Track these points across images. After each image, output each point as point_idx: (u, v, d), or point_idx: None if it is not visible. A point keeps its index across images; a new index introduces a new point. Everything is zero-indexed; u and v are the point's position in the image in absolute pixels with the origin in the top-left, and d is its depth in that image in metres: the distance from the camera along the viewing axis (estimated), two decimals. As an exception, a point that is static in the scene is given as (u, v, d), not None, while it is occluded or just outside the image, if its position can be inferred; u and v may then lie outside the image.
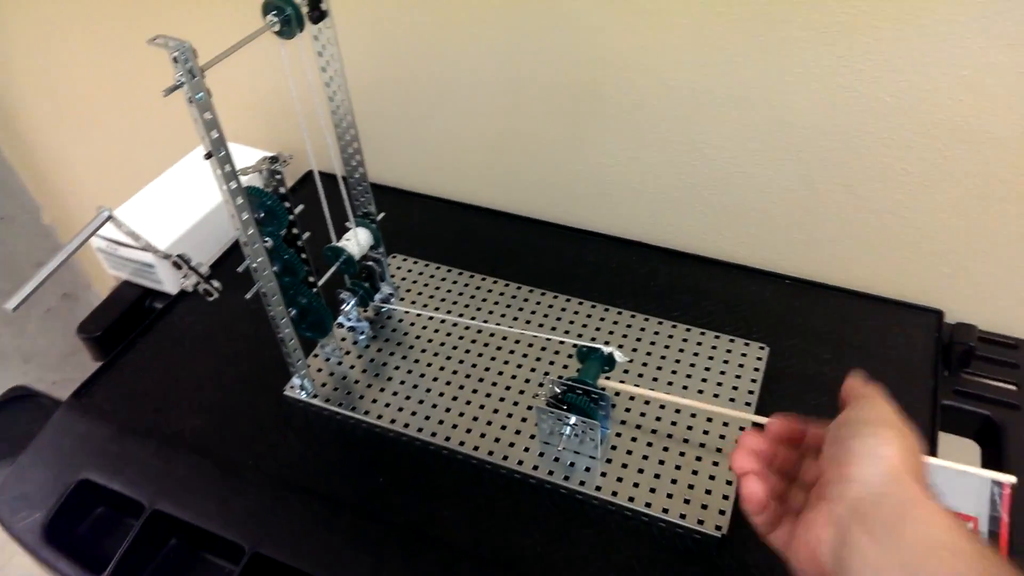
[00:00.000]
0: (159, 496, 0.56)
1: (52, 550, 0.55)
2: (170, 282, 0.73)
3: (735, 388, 0.59)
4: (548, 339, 0.64)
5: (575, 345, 0.63)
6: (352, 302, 0.65)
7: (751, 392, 0.59)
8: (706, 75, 0.63)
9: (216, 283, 0.48)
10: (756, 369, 0.60)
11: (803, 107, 0.61)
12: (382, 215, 0.65)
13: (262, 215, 0.51)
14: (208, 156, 0.45)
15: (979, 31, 0.52)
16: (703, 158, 0.68)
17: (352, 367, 0.63)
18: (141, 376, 0.65)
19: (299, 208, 0.55)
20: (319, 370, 0.63)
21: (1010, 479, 0.46)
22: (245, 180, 0.47)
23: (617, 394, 0.58)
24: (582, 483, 0.53)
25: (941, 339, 0.63)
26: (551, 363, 0.62)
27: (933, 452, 0.55)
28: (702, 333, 0.64)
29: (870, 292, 0.67)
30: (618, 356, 0.56)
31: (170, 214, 0.75)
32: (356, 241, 0.62)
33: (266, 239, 0.51)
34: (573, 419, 0.53)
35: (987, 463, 0.58)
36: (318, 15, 0.50)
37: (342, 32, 0.52)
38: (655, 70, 0.64)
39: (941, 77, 0.55)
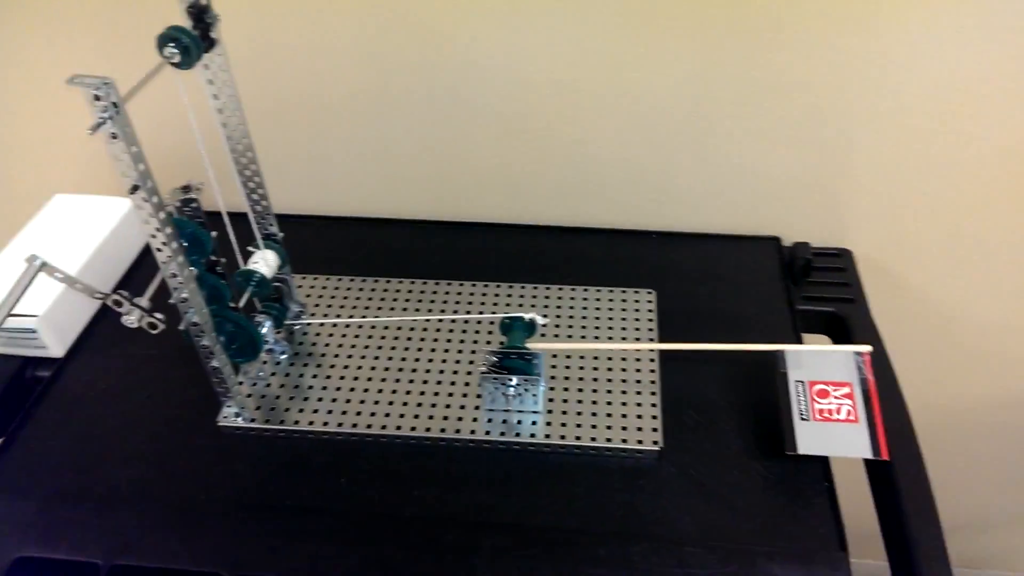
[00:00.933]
0: (113, 552, 0.54)
1: (3, 637, 0.52)
2: (56, 344, 0.69)
3: (637, 329, 0.67)
4: (466, 320, 0.69)
5: (492, 321, 0.68)
6: (268, 324, 0.66)
7: (651, 330, 0.67)
8: (560, 67, 0.71)
9: (159, 315, 0.48)
10: (650, 311, 0.69)
11: (650, 85, 0.71)
12: (281, 235, 0.66)
13: (185, 245, 0.52)
14: (134, 189, 0.45)
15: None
16: (568, 140, 0.76)
17: (282, 386, 0.64)
18: (51, 444, 0.62)
19: (213, 234, 0.56)
20: (248, 395, 0.63)
21: (867, 348, 0.57)
22: (167, 210, 0.48)
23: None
24: (532, 436, 0.59)
25: (783, 259, 0.76)
26: (475, 342, 0.67)
27: (800, 348, 0.66)
28: (597, 290, 0.72)
29: (721, 232, 0.79)
30: (539, 319, 0.62)
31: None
32: (265, 262, 0.63)
33: (191, 268, 0.52)
34: (515, 380, 0.58)
35: (838, 351, 0.71)
36: (209, 43, 0.52)
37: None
38: (525, 70, 0.71)
39: (756, 46, 0.67)
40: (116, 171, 0.45)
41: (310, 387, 0.64)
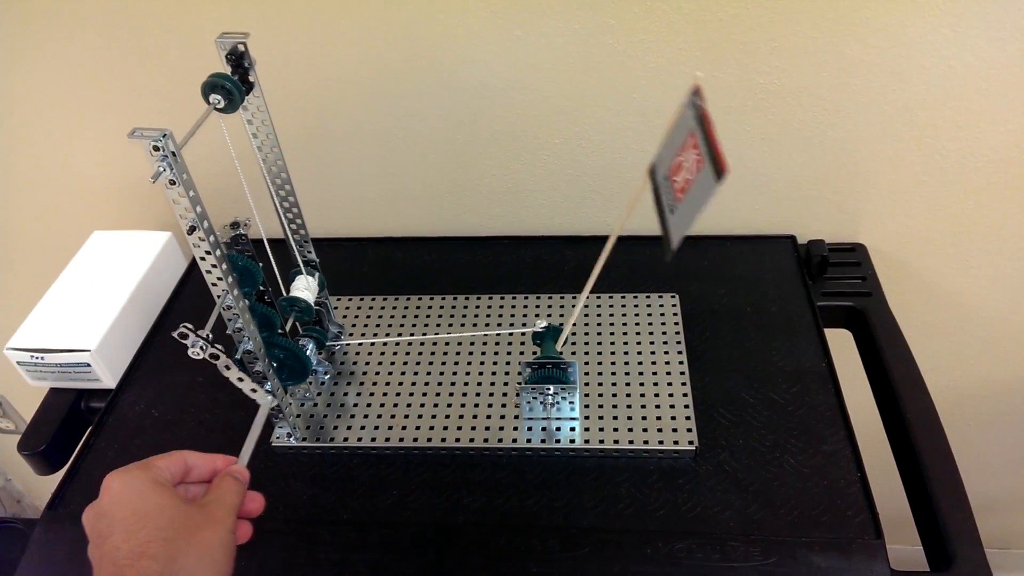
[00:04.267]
0: (182, 572, 0.57)
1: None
2: (108, 376, 0.72)
3: (664, 332, 0.70)
4: (498, 334, 0.71)
5: (523, 333, 0.71)
6: (311, 346, 0.68)
7: (677, 332, 0.70)
8: (572, 84, 0.73)
9: (219, 346, 0.51)
10: (675, 314, 0.72)
11: (653, 95, 0.73)
12: (317, 260, 0.69)
13: (238, 277, 0.55)
14: (192, 230, 0.48)
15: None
16: (582, 152, 0.79)
17: (328, 405, 0.67)
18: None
19: (260, 265, 0.59)
20: (297, 416, 0.66)
21: (699, 75, 0.42)
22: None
23: (573, 354, 0.67)
24: (572, 442, 0.61)
25: (800, 256, 0.78)
26: (508, 353, 0.70)
27: (823, 344, 0.68)
28: (622, 296, 0.74)
29: (737, 234, 0.82)
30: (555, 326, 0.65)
31: (92, 308, 0.74)
32: (308, 288, 0.66)
33: (244, 300, 0.55)
34: (552, 389, 0.61)
35: (860, 345, 0.73)
36: (248, 87, 0.55)
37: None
38: (530, 88, 0.74)
39: (757, 52, 0.69)
40: (174, 213, 0.48)
41: (355, 404, 0.67)
